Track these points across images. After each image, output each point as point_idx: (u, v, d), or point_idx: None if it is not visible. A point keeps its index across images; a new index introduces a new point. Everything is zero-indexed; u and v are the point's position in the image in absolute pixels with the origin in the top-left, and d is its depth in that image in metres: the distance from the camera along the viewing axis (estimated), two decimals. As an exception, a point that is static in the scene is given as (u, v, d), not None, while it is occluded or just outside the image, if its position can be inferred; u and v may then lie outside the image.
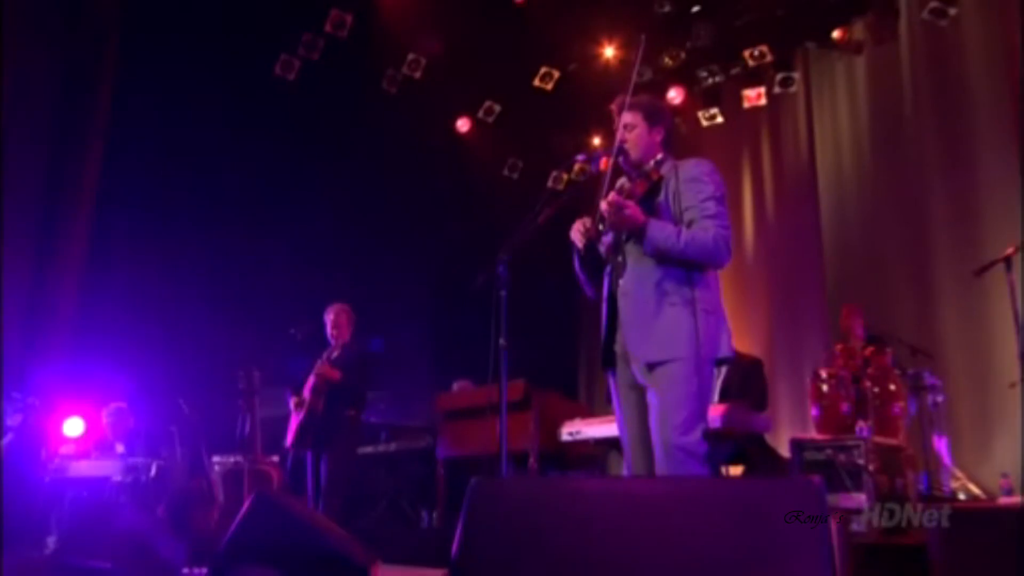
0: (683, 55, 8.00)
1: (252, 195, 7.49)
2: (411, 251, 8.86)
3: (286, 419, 5.53)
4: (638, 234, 2.78)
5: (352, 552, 2.48)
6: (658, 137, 3.13)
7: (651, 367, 2.69)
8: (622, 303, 2.84)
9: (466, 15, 7.65)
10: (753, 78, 8.04)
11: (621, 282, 2.87)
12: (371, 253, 8.15)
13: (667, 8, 7.49)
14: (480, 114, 8.87)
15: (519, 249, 3.03)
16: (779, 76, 7.93)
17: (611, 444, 5.73)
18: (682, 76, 8.28)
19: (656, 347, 2.69)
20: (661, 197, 2.91)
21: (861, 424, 5.43)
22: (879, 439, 5.07)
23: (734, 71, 8.10)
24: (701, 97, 8.42)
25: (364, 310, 6.20)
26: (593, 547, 1.46)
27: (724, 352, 2.77)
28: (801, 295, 7.86)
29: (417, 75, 8.30)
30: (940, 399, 6.01)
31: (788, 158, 8.41)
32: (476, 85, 8.61)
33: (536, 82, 8.35)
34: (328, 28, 7.71)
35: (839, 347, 6.03)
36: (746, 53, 7.78)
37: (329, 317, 5.35)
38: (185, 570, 3.73)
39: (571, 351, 9.98)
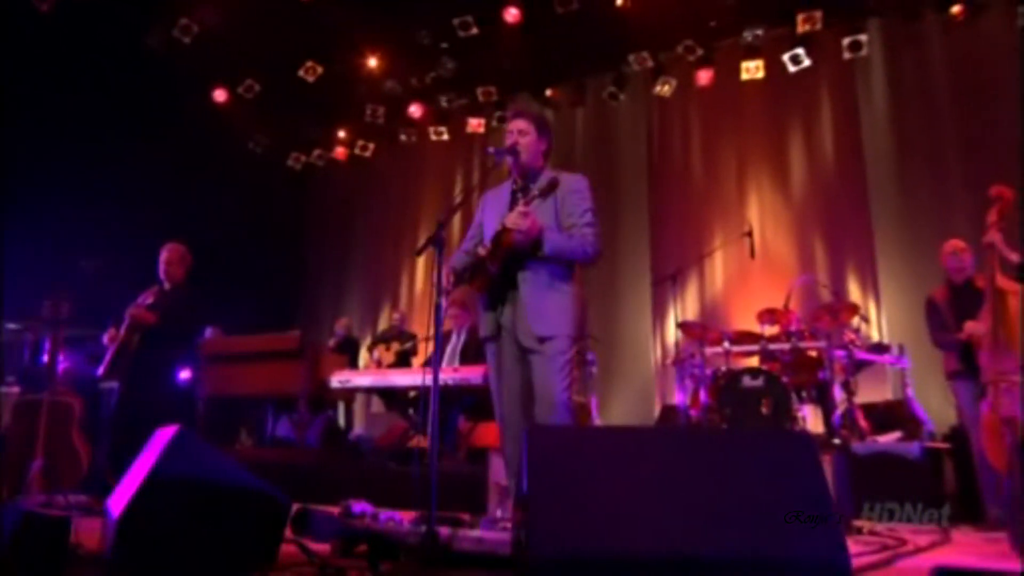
0: (429, 79, 8.19)
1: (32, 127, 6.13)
2: (153, 202, 7.86)
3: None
4: (539, 242, 2.85)
5: (273, 490, 2.35)
6: (543, 147, 3.11)
7: (541, 340, 2.87)
8: (522, 288, 2.91)
9: (250, -4, 7.04)
10: (477, 110, 8.53)
11: (519, 275, 2.92)
12: (125, 198, 7.11)
13: (426, 40, 7.65)
14: (240, 89, 8.16)
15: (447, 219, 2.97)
16: (497, 113, 8.51)
17: (370, 391, 5.82)
18: (424, 96, 8.49)
19: (546, 324, 2.87)
20: (549, 206, 2.96)
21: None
22: (575, 398, 5.83)
23: (463, 101, 8.50)
24: (435, 116, 8.70)
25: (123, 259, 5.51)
26: (633, 478, 1.62)
27: (586, 330, 3.07)
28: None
29: (186, 40, 7.39)
30: (595, 370, 7.02)
31: (492, 175, 9.05)
32: (242, 62, 7.92)
33: (300, 72, 7.93)
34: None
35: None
36: (479, 89, 8.23)
37: (162, 256, 4.62)
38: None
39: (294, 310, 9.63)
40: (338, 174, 9.54)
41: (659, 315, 7.90)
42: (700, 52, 7.44)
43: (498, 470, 4.27)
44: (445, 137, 8.87)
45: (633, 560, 1.51)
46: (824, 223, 7.28)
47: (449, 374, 5.10)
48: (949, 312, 4.22)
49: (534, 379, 2.88)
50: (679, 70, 7.74)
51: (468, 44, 7.62)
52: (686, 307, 7.80)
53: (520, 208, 2.85)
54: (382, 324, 9.12)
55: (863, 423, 5.02)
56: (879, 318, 6.71)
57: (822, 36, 7.10)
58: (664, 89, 7.80)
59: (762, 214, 7.50)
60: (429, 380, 5.17)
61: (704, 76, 7.59)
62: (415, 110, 8.61)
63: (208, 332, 6.66)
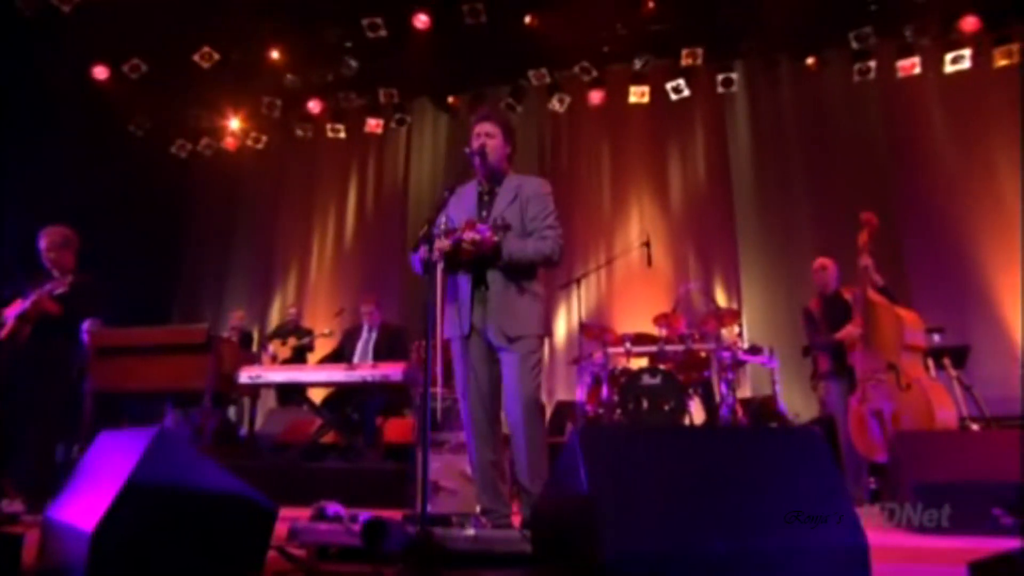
0: (330, 76, 7.82)
1: None
2: (24, 182, 6.90)
3: None
4: (497, 251, 2.77)
5: (257, 494, 2.13)
6: (508, 150, 3.00)
7: (511, 340, 2.78)
8: (492, 289, 2.81)
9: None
10: (377, 111, 8.24)
11: (488, 275, 2.82)
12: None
13: (332, 38, 7.30)
14: (125, 68, 7.35)
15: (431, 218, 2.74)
16: (397, 115, 8.27)
17: (277, 387, 5.43)
18: (324, 92, 8.10)
19: (517, 325, 2.79)
20: (515, 206, 2.90)
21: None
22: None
23: (363, 101, 8.18)
24: (334, 113, 8.31)
25: None
26: (681, 474, 1.62)
27: (550, 329, 3.00)
28: (387, 278, 8.25)
29: (66, 8, 6.55)
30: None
31: (388, 175, 8.83)
32: (129, 39, 7.14)
33: (195, 57, 7.27)
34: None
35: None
36: (381, 91, 7.96)
37: (40, 243, 3.98)
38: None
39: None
40: (226, 165, 8.84)
41: (546, 313, 8.03)
42: (595, 74, 7.65)
43: (430, 467, 4.13)
44: (342, 135, 8.49)
45: (695, 554, 1.51)
46: (696, 237, 7.75)
47: (368, 370, 4.88)
48: (822, 320, 4.62)
49: (505, 377, 2.80)
50: (574, 89, 7.92)
51: (374, 45, 7.35)
52: (572, 311, 7.99)
53: (473, 235, 2.72)
54: (271, 319, 8.57)
55: (742, 416, 5.38)
56: (741, 323, 7.22)
57: (700, 71, 7.55)
58: (559, 105, 7.95)
59: (643, 227, 7.84)
60: (345, 377, 4.93)
61: (596, 96, 7.82)
62: (314, 106, 8.19)
63: (87, 324, 5.93)
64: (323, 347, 7.46)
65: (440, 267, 2.76)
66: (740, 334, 5.68)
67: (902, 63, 7.02)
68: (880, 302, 4.16)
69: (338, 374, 4.91)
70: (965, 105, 7.15)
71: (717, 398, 5.53)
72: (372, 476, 4.63)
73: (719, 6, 6.86)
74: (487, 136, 2.97)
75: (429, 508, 4.07)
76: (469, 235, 2.71)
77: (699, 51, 7.27)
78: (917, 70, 7.01)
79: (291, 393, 6.57)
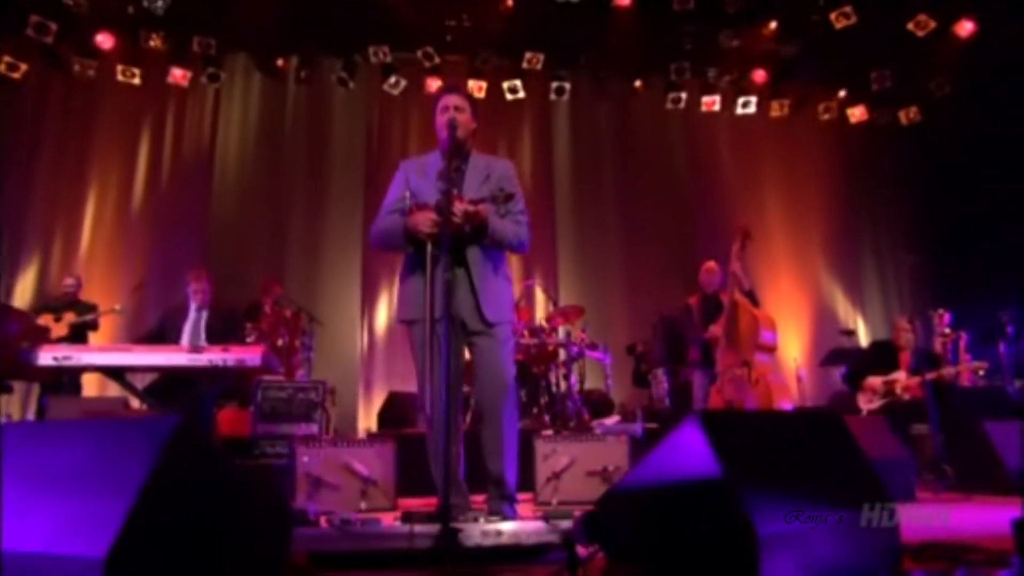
0: (132, 8, 6.69)
1: None
2: None
3: None
4: (483, 228, 2.68)
5: (276, 488, 1.84)
6: (475, 126, 2.93)
7: (489, 325, 2.70)
8: (473, 271, 2.70)
9: None
10: (185, 60, 7.24)
11: (468, 254, 2.71)
12: None
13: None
14: None
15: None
16: (210, 70, 7.33)
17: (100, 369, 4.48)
18: (119, 27, 6.91)
19: (496, 310, 2.72)
20: (487, 186, 2.80)
21: (302, 371, 5.66)
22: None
23: (171, 46, 7.13)
24: (129, 54, 7.11)
25: None
26: (785, 451, 1.78)
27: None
28: (187, 252, 7.25)
29: None
30: (313, 355, 6.57)
31: (190, 135, 7.77)
32: None
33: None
34: None
35: (268, 307, 6.04)
36: (196, 38, 7.03)
37: None
38: None
39: None
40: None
41: (369, 303, 7.77)
42: (436, 61, 7.56)
43: (312, 461, 3.77)
44: (136, 81, 7.27)
45: (814, 525, 1.64)
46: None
47: (218, 354, 4.25)
48: (699, 315, 5.16)
49: (482, 361, 2.71)
50: (411, 72, 7.73)
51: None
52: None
53: (466, 206, 2.64)
54: (19, 289, 7.01)
55: (582, 407, 5.74)
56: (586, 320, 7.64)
57: (536, 75, 7.87)
58: (393, 87, 7.71)
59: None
60: (188, 360, 4.26)
61: (433, 84, 7.73)
62: (103, 40, 6.90)
63: None
64: (108, 325, 6.37)
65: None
66: (584, 330, 6.05)
67: (706, 99, 8.08)
68: (743, 304, 4.73)
69: (179, 357, 4.19)
70: (748, 143, 8.46)
71: (564, 389, 5.83)
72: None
73: (565, 18, 7.21)
74: (456, 110, 2.86)
75: (311, 508, 3.73)
76: (461, 206, 2.57)
77: (540, 56, 7.58)
78: (716, 107, 8.11)
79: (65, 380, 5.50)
